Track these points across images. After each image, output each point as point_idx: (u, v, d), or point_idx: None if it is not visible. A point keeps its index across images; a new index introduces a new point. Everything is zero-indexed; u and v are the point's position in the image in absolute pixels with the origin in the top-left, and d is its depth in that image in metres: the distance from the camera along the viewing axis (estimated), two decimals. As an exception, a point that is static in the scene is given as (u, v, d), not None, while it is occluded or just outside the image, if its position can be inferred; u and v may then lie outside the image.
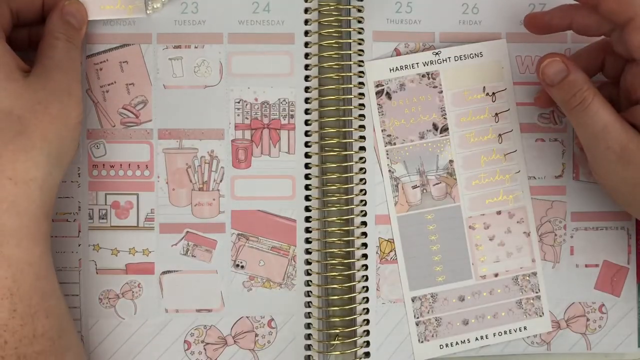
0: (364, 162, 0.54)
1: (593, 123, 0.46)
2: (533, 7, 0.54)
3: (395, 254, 0.54)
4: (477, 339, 0.54)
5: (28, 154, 0.44)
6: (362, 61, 0.54)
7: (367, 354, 0.54)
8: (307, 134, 0.53)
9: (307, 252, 0.54)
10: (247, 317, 0.53)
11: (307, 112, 0.53)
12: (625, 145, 0.46)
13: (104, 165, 0.53)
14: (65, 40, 0.48)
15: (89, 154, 0.53)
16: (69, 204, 0.53)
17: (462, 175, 0.54)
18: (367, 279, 0.54)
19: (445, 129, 0.54)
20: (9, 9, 0.48)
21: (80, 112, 0.48)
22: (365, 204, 0.54)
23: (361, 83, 0.53)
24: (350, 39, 0.53)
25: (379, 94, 0.54)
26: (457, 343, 0.54)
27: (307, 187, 0.53)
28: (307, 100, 0.53)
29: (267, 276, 0.53)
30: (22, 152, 0.44)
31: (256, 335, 0.53)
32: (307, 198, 0.53)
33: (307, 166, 0.53)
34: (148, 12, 0.52)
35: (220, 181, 0.53)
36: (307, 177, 0.53)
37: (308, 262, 0.53)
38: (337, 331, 0.53)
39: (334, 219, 0.54)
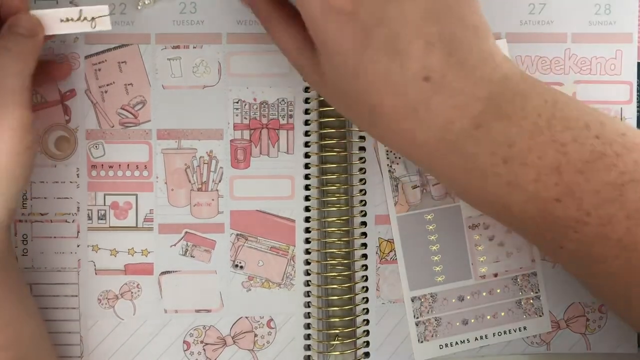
0: (364, 162, 0.54)
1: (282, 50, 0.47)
2: (533, 7, 0.54)
3: (395, 254, 0.54)
4: (476, 338, 0.54)
5: None
6: (362, 61, 0.54)
7: (366, 354, 0.53)
8: (306, 134, 0.53)
9: (307, 252, 0.53)
10: (247, 317, 0.53)
11: (306, 112, 0.53)
12: (302, 68, 0.47)
13: (102, 165, 0.53)
14: (3, 50, 0.44)
15: (87, 154, 0.52)
16: (67, 204, 0.53)
17: (461, 175, 0.54)
18: (366, 279, 0.54)
19: (444, 129, 0.54)
20: None
21: (15, 143, 0.44)
22: (365, 204, 0.54)
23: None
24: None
25: (378, 93, 0.54)
26: (456, 343, 0.54)
27: (306, 187, 0.53)
28: (306, 100, 0.53)
29: (266, 276, 0.53)
30: None
31: (255, 335, 0.53)
32: (306, 198, 0.53)
33: (306, 166, 0.53)
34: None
35: (219, 181, 0.53)
36: (306, 177, 0.53)
37: (307, 262, 0.53)
38: (337, 331, 0.53)
39: (334, 219, 0.54)
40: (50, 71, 0.51)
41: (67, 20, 0.47)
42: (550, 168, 0.42)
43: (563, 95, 0.45)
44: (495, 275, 0.54)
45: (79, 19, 0.47)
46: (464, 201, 0.48)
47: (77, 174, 0.53)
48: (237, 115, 0.53)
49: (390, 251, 0.54)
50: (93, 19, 0.47)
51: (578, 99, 0.54)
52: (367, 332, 0.54)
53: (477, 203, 0.46)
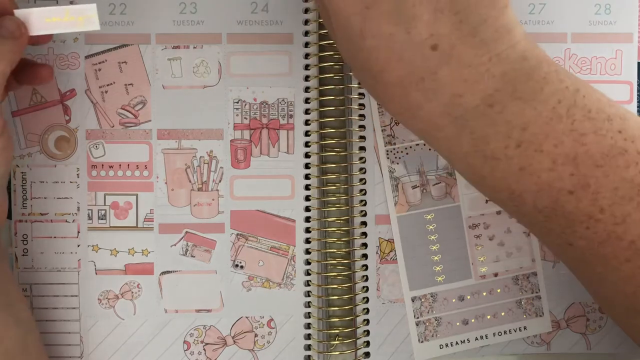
0: (364, 162, 0.54)
1: None
2: (533, 7, 0.54)
3: (395, 254, 0.54)
4: (477, 338, 0.54)
5: None
6: (362, 61, 0.54)
7: (367, 354, 0.53)
8: (306, 134, 0.53)
9: (307, 252, 0.53)
10: (247, 317, 0.53)
11: (306, 112, 0.53)
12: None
13: (102, 165, 0.53)
14: None
15: (87, 154, 0.53)
16: (68, 204, 0.53)
17: (461, 175, 0.54)
18: (367, 279, 0.54)
19: (444, 129, 0.54)
20: None
21: None
22: (365, 204, 0.54)
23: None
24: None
25: (378, 93, 0.54)
26: (457, 343, 0.54)
27: (306, 187, 0.53)
28: (306, 100, 0.53)
29: (266, 276, 0.53)
30: None
31: (256, 335, 0.53)
32: (306, 198, 0.53)
33: (306, 166, 0.53)
34: None
35: (220, 181, 0.53)
36: (306, 177, 0.53)
37: (308, 262, 0.53)
38: (337, 331, 0.53)
39: (334, 219, 0.54)
40: (28, 75, 0.49)
41: (54, 19, 0.45)
42: (566, 157, 0.40)
43: (586, 84, 0.43)
44: (496, 275, 0.54)
45: (65, 18, 0.45)
46: (469, 182, 0.45)
47: (77, 174, 0.53)
48: (237, 115, 0.53)
49: (391, 251, 0.54)
50: (81, 18, 0.45)
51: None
52: (367, 332, 0.54)
53: (483, 186, 0.44)
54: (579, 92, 0.41)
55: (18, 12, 0.45)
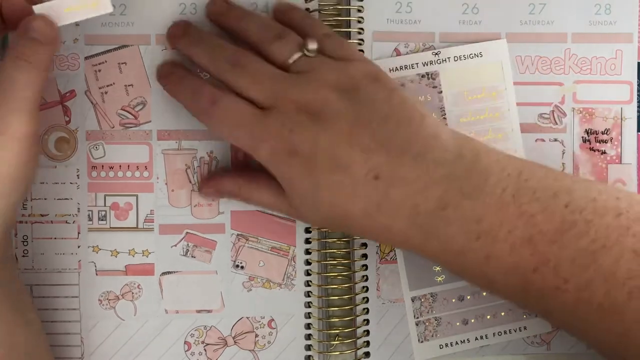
0: (364, 161, 0.54)
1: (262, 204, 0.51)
2: (533, 7, 0.54)
3: (394, 253, 0.54)
4: (476, 338, 0.54)
5: None
6: (362, 61, 0.53)
7: (367, 354, 0.54)
8: (306, 134, 0.53)
9: (307, 252, 0.54)
10: (247, 317, 0.53)
11: (306, 112, 0.53)
12: (282, 210, 0.50)
13: (103, 166, 0.53)
14: (16, 59, 0.43)
15: (87, 155, 0.52)
16: (68, 205, 0.52)
17: (461, 175, 0.54)
18: (367, 279, 0.54)
19: (444, 129, 0.54)
20: None
21: (22, 153, 0.43)
22: (365, 204, 0.54)
23: (361, 83, 0.53)
24: (350, 39, 0.53)
25: (378, 94, 0.54)
26: (456, 343, 0.54)
27: (306, 188, 0.53)
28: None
29: (267, 276, 0.53)
30: None
31: (256, 335, 0.53)
32: (306, 198, 0.53)
33: (306, 166, 0.53)
34: None
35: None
36: (306, 177, 0.53)
37: (308, 263, 0.53)
38: (337, 331, 0.53)
39: (334, 219, 0.54)
40: None
41: (70, 9, 0.46)
42: (523, 240, 0.44)
43: (527, 163, 0.47)
44: (495, 275, 0.54)
45: (80, 5, 0.46)
46: (452, 274, 0.50)
47: (78, 175, 0.52)
48: (237, 115, 0.53)
49: (390, 251, 0.54)
50: (94, 3, 0.46)
51: (578, 99, 0.54)
52: (367, 332, 0.54)
53: (462, 276, 0.48)
54: (522, 176, 0.45)
55: (37, 9, 0.45)
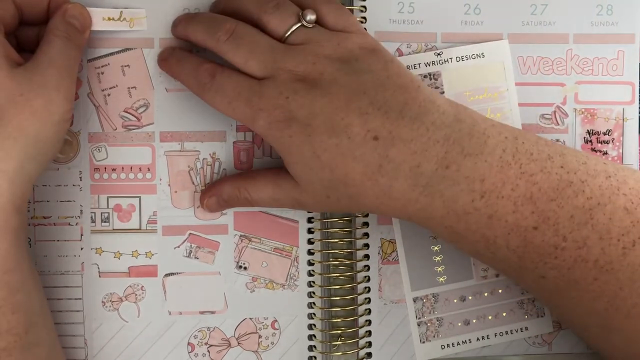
0: (365, 160, 0.54)
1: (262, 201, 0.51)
2: (535, 7, 0.54)
3: (396, 254, 0.54)
4: (478, 339, 0.54)
5: (1, 144, 0.44)
6: (364, 62, 0.53)
7: (369, 355, 0.54)
8: (308, 134, 0.53)
9: (310, 252, 0.54)
10: (251, 318, 0.54)
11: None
12: (282, 199, 0.50)
13: (105, 168, 0.53)
14: (64, 38, 0.47)
15: (90, 157, 0.52)
16: (70, 207, 0.52)
17: (463, 176, 0.54)
18: (369, 280, 0.54)
19: (447, 130, 0.54)
20: (14, 5, 0.48)
21: (67, 110, 0.47)
22: (367, 205, 0.54)
23: (363, 84, 0.53)
24: (352, 40, 0.53)
25: (380, 95, 0.54)
26: (458, 343, 0.54)
27: (309, 188, 0.53)
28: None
29: (270, 277, 0.54)
30: None
31: (260, 336, 0.54)
32: (309, 200, 0.53)
33: (309, 167, 0.53)
34: None
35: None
36: (309, 178, 0.53)
37: (310, 263, 0.54)
38: (340, 332, 0.54)
39: (336, 219, 0.54)
40: None
41: (109, 19, 0.51)
42: (524, 198, 0.45)
43: (521, 131, 0.48)
44: (497, 275, 0.54)
45: (119, 18, 0.51)
46: (448, 243, 0.50)
47: (80, 177, 0.52)
48: (239, 117, 0.53)
49: (392, 252, 0.54)
50: (132, 19, 0.51)
51: (580, 99, 0.54)
52: (369, 333, 0.54)
53: (461, 242, 0.48)
54: (518, 140, 0.47)
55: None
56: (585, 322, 0.48)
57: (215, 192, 0.51)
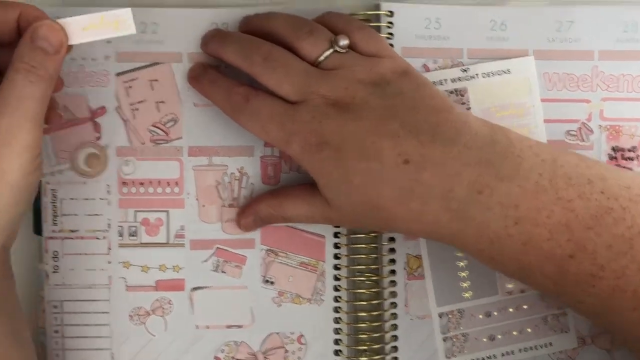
0: (389, 174, 0.54)
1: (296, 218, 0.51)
2: (560, 24, 0.54)
3: (422, 269, 0.54)
4: (503, 354, 0.54)
5: None
6: (392, 78, 0.54)
7: (395, 369, 0.54)
8: (334, 149, 0.53)
9: (336, 267, 0.54)
10: (277, 333, 0.54)
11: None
12: (315, 216, 0.50)
13: (133, 182, 0.53)
14: (25, 72, 0.42)
15: (118, 171, 0.52)
16: (98, 221, 0.52)
17: (489, 191, 0.54)
18: (395, 295, 0.54)
19: (473, 146, 0.54)
20: None
21: (28, 163, 0.43)
22: (393, 220, 0.54)
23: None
24: (379, 56, 0.53)
25: (408, 111, 0.54)
26: (483, 359, 0.54)
27: (335, 203, 0.54)
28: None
29: (296, 292, 0.54)
30: None
31: (286, 351, 0.54)
32: (335, 214, 0.54)
33: (335, 182, 0.53)
34: None
35: (250, 197, 0.53)
36: (335, 193, 0.54)
37: (337, 278, 0.54)
38: (366, 347, 0.54)
39: (362, 235, 0.54)
40: None
41: (90, 27, 0.44)
42: (560, 225, 0.44)
43: (562, 152, 0.47)
44: (522, 291, 0.54)
45: (101, 25, 0.44)
46: (482, 263, 0.49)
47: (108, 191, 0.53)
48: (267, 132, 0.53)
49: (418, 267, 0.54)
50: (117, 23, 0.45)
51: (605, 116, 0.55)
52: (395, 348, 0.54)
53: (494, 264, 0.47)
54: (556, 162, 0.46)
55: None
56: (626, 340, 0.48)
57: (251, 212, 0.52)
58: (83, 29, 0.44)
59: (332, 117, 0.46)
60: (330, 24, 0.50)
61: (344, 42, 0.48)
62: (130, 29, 0.45)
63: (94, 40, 0.45)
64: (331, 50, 0.49)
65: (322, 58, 0.48)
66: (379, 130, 0.46)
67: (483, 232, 0.45)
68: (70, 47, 0.44)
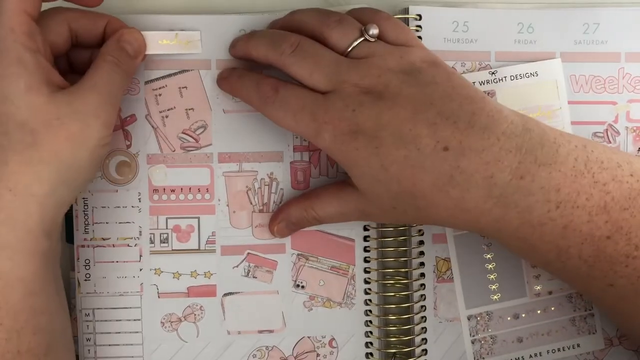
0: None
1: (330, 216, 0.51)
2: (587, 26, 0.55)
3: (451, 272, 0.55)
4: (531, 356, 0.55)
5: (33, 167, 0.43)
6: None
7: (424, 371, 0.55)
8: (362, 153, 0.53)
9: (366, 271, 0.54)
10: (309, 337, 0.54)
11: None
12: (350, 213, 0.50)
13: (164, 189, 0.53)
14: (112, 63, 0.47)
15: (149, 178, 0.52)
16: (129, 228, 0.53)
17: (517, 194, 0.55)
18: (424, 298, 0.54)
19: (501, 149, 0.54)
20: (69, 29, 0.48)
21: (104, 136, 0.46)
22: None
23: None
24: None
25: (436, 115, 0.54)
26: (512, 360, 0.55)
27: (363, 207, 0.54)
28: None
29: (327, 296, 0.54)
30: (28, 165, 0.43)
31: (317, 355, 0.54)
32: (365, 219, 0.54)
33: (364, 186, 0.54)
34: None
35: (280, 202, 0.53)
36: (365, 198, 0.54)
37: (367, 282, 0.54)
38: (396, 350, 0.54)
39: (392, 238, 0.54)
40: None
41: (165, 42, 0.51)
42: (598, 207, 0.45)
43: (586, 139, 0.48)
44: (550, 293, 0.55)
45: (175, 41, 0.52)
46: (516, 254, 0.50)
47: (139, 199, 0.52)
48: (296, 137, 0.53)
49: (447, 270, 0.55)
50: (187, 42, 0.52)
51: (632, 117, 0.55)
52: (425, 351, 0.55)
53: (531, 252, 0.48)
54: (587, 148, 0.47)
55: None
56: None
57: (283, 216, 0.52)
58: (159, 42, 0.51)
59: (365, 105, 0.46)
60: (357, 17, 0.50)
61: (374, 30, 0.48)
62: (197, 48, 0.52)
63: (166, 53, 0.52)
64: (361, 39, 0.48)
65: (351, 47, 0.48)
66: (416, 118, 0.45)
67: (525, 218, 0.45)
68: (145, 56, 0.51)
